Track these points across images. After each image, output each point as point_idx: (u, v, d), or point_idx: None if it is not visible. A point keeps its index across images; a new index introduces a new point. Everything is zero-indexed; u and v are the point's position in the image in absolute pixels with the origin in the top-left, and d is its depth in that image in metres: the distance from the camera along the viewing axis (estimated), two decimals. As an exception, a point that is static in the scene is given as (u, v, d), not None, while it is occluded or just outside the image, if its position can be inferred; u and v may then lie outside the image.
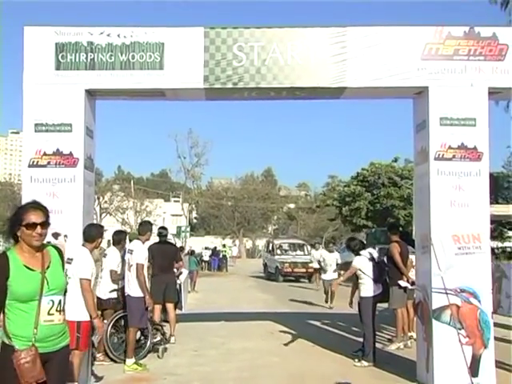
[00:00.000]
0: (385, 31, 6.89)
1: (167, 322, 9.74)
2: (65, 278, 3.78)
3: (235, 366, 8.03)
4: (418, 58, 6.79)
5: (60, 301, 3.60)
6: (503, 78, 6.77)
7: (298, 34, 6.92)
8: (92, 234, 6.47)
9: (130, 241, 8.95)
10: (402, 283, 9.22)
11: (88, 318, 5.96)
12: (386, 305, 9.52)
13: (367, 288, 8.28)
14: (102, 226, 6.97)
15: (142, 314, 7.89)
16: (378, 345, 8.56)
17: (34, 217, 3.51)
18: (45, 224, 3.56)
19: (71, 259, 6.16)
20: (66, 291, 3.73)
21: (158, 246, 9.90)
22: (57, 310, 3.57)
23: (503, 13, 19.93)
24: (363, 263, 8.37)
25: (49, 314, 3.51)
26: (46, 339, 3.49)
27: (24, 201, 6.61)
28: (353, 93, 7.19)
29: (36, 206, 3.62)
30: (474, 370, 6.50)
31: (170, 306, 9.73)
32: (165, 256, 9.73)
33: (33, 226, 3.49)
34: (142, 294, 7.78)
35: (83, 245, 6.45)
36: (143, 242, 8.20)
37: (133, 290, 7.82)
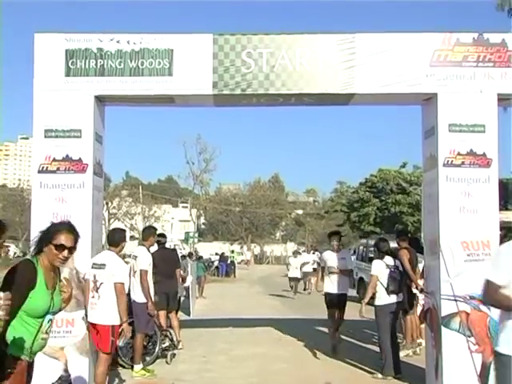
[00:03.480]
0: (393, 38, 6.89)
1: (171, 328, 9.76)
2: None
3: (243, 373, 8.01)
4: (426, 65, 6.78)
5: (52, 320, 3.67)
6: (512, 84, 6.74)
7: (307, 40, 6.93)
8: (116, 238, 6.71)
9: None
10: (413, 290, 9.18)
11: (119, 322, 6.14)
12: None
13: (379, 296, 8.11)
14: (124, 231, 7.29)
15: (149, 319, 7.91)
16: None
17: (66, 240, 3.55)
18: (73, 249, 3.60)
19: (104, 265, 6.34)
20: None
21: (158, 253, 9.89)
22: (50, 330, 3.65)
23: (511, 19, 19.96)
24: (379, 268, 8.22)
25: (46, 332, 3.58)
26: (35, 353, 3.58)
27: (34, 206, 6.67)
28: (361, 99, 7.18)
29: (71, 229, 3.65)
30: (483, 378, 6.44)
31: (172, 315, 9.73)
32: (166, 262, 9.67)
33: (62, 248, 3.52)
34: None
35: (109, 249, 6.66)
36: (148, 248, 8.21)
37: (138, 295, 7.83)
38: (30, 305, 3.42)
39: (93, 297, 6.36)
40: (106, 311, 6.21)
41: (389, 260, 8.31)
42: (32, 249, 3.67)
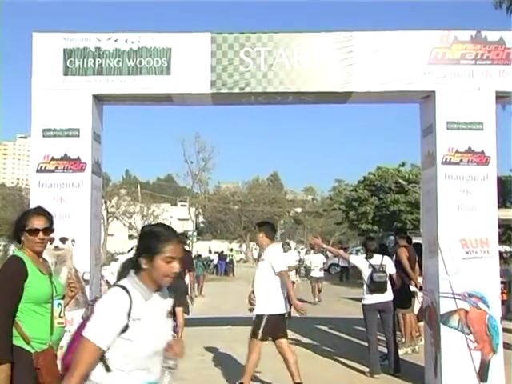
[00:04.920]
0: (391, 36, 6.89)
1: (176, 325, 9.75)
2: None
3: (241, 371, 8.01)
4: (424, 63, 6.78)
5: (62, 305, 3.67)
6: (510, 82, 6.75)
7: (305, 38, 6.93)
8: None
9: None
10: (411, 288, 9.20)
11: None
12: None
13: (363, 296, 8.21)
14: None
15: None
16: (384, 349, 8.49)
17: (37, 223, 3.55)
18: (47, 230, 3.59)
19: None
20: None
21: None
22: (63, 314, 3.65)
23: (509, 16, 19.98)
24: (360, 264, 8.32)
25: (60, 316, 3.59)
26: (57, 341, 3.56)
27: (32, 205, 6.66)
28: (359, 97, 7.18)
29: (40, 211, 3.67)
30: (482, 375, 6.46)
31: (179, 311, 9.72)
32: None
33: (35, 231, 3.52)
34: None
35: None
36: None
37: None
38: (29, 293, 3.42)
39: None
40: None
41: (376, 259, 8.28)
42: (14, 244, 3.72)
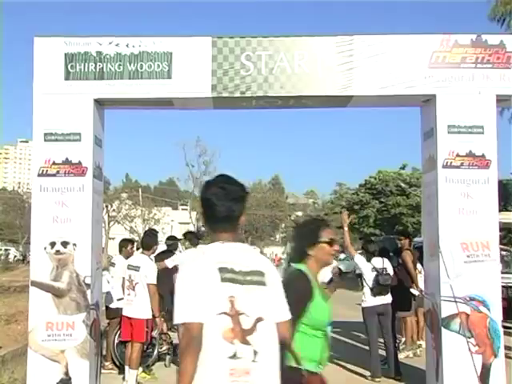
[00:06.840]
0: (391, 40, 6.90)
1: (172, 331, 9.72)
2: None
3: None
4: (425, 66, 6.79)
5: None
6: (511, 85, 6.75)
7: (305, 42, 6.94)
8: (148, 242, 7.51)
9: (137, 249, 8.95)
10: (413, 291, 9.19)
11: (151, 317, 7.19)
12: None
13: (364, 298, 8.23)
14: (155, 235, 7.85)
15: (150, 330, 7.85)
16: (384, 352, 8.47)
17: (332, 234, 3.49)
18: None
19: (138, 267, 7.22)
20: None
21: (160, 257, 9.82)
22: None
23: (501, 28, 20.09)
24: (363, 266, 8.32)
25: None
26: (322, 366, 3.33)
27: (33, 210, 6.66)
28: (360, 101, 7.19)
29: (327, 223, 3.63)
30: (483, 378, 6.44)
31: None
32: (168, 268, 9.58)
33: (332, 242, 3.44)
34: None
35: (142, 252, 7.49)
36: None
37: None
38: (311, 318, 3.20)
39: (129, 294, 7.25)
40: (141, 307, 7.12)
41: (377, 262, 8.31)
42: (291, 258, 3.51)
